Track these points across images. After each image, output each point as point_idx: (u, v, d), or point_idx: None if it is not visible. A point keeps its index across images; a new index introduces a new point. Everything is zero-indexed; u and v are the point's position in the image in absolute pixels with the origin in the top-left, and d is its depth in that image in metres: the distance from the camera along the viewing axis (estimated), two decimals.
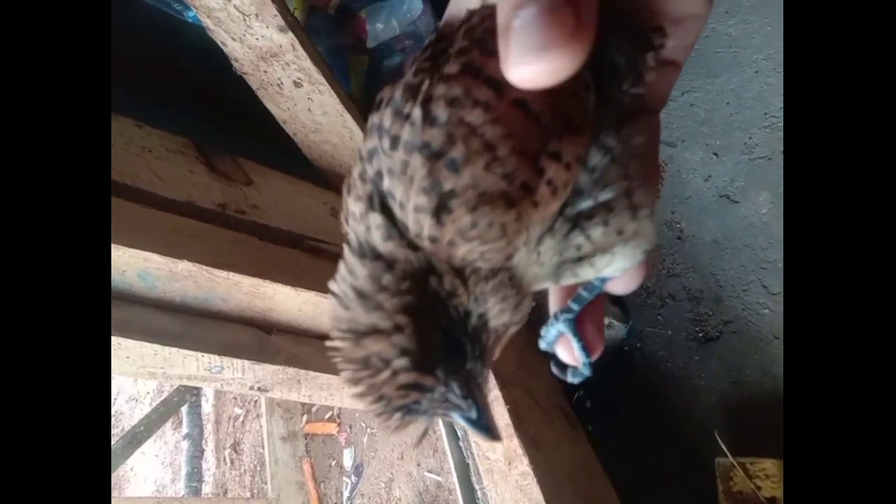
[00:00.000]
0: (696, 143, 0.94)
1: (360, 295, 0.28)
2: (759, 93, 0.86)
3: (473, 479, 0.75)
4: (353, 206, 0.28)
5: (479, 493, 0.73)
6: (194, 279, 0.60)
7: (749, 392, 0.79)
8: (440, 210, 0.26)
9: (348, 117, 0.79)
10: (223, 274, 0.61)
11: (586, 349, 0.35)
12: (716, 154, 0.91)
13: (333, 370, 0.76)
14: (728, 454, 0.71)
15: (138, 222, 0.55)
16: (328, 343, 0.30)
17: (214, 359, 0.61)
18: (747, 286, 0.84)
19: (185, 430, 2.76)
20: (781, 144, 0.81)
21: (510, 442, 0.70)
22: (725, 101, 0.89)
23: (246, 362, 0.63)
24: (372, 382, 0.28)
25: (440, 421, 0.85)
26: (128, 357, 0.57)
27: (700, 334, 0.87)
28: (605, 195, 0.29)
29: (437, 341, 0.29)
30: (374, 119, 0.28)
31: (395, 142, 0.26)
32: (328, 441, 1.80)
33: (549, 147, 0.26)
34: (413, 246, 0.27)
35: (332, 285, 0.30)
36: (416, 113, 0.25)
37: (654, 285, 0.92)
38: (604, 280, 0.34)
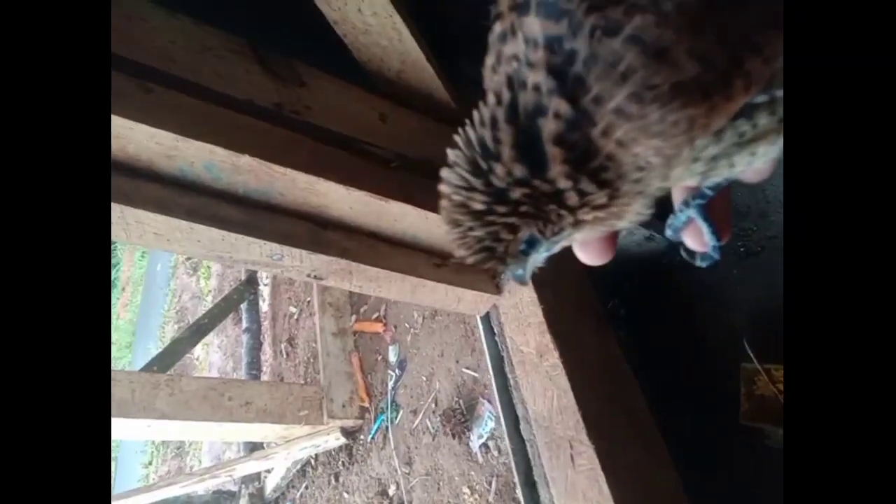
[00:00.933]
0: None
1: (485, 150, 0.28)
2: None
3: (507, 369, 0.81)
4: (533, 76, 0.26)
5: (511, 381, 0.79)
6: (255, 173, 0.64)
7: (781, 305, 0.80)
8: (640, 114, 0.25)
9: (398, 18, 0.78)
10: (281, 170, 0.65)
11: (717, 233, 0.35)
12: None
13: (381, 265, 0.81)
14: (754, 360, 0.74)
15: (203, 117, 0.59)
16: (442, 172, 0.30)
17: (275, 247, 0.67)
18: None
19: (244, 324, 3.00)
20: None
21: (542, 338, 0.74)
22: None
23: (303, 252, 0.69)
24: (469, 224, 0.30)
25: (478, 320, 0.90)
26: (199, 241, 0.63)
27: (742, 249, 0.87)
28: (778, 90, 0.27)
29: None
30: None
31: (597, 31, 0.24)
32: (374, 338, 1.93)
33: (751, 38, 0.25)
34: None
35: (466, 130, 0.29)
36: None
37: None
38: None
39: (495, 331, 0.85)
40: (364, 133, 0.79)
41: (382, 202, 0.72)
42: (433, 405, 1.54)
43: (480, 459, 1.33)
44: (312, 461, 2.07)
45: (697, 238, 0.36)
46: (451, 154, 0.29)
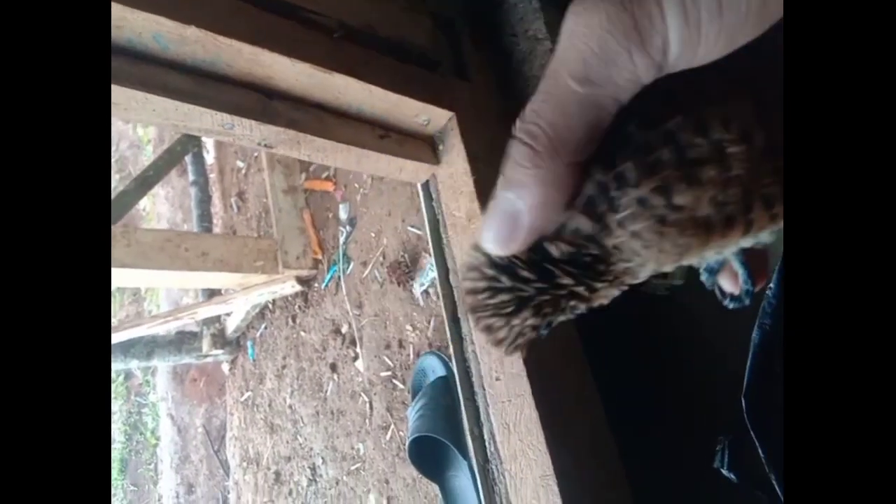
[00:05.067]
0: None
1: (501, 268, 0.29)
2: None
3: (441, 230, 0.93)
4: None
5: (444, 240, 0.92)
6: (201, 44, 0.66)
7: None
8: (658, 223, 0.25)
9: None
10: (226, 41, 0.67)
11: (752, 277, 0.35)
12: None
13: (328, 136, 0.88)
14: None
15: None
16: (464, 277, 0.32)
17: (226, 117, 0.71)
18: None
19: (191, 177, 2.97)
20: None
21: (472, 204, 0.85)
22: None
23: (253, 122, 0.73)
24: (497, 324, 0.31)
25: (419, 186, 1.00)
26: (154, 110, 0.67)
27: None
28: (765, 238, 0.29)
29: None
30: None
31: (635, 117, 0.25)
32: (325, 196, 2.01)
33: (763, 188, 0.25)
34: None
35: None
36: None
37: None
38: None
39: (433, 196, 0.95)
40: None
41: (326, 74, 0.76)
42: (381, 258, 1.69)
43: (422, 303, 1.52)
44: (270, 305, 2.25)
45: (732, 280, 0.36)
46: (472, 258, 0.31)
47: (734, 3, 0.22)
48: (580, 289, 0.29)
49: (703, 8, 0.22)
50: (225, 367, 2.59)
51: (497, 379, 0.75)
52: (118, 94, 0.61)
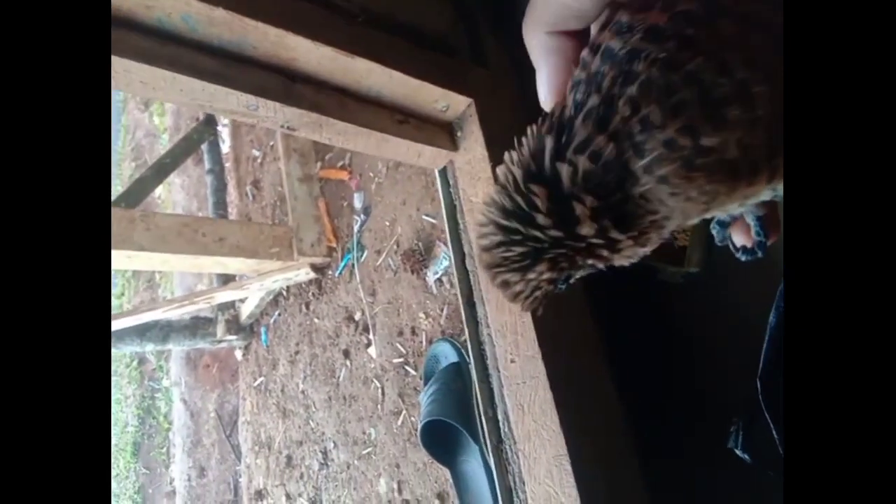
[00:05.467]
0: None
1: (519, 215, 0.29)
2: None
3: (458, 216, 0.94)
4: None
5: (461, 225, 0.93)
6: (228, 26, 0.68)
7: None
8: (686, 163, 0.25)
9: None
10: (252, 23, 0.68)
11: (764, 229, 0.35)
12: None
13: (349, 119, 0.89)
14: None
15: None
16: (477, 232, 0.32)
17: (251, 98, 0.73)
18: None
19: (207, 166, 2.99)
20: None
21: (489, 190, 0.87)
22: None
23: (276, 104, 0.75)
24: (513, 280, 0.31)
25: (436, 173, 1.01)
26: (181, 90, 0.68)
27: None
28: (780, 188, 0.28)
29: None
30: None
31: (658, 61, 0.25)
32: (340, 185, 2.03)
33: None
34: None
35: (499, 190, 0.30)
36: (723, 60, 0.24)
37: None
38: None
39: (450, 182, 0.96)
40: None
41: (349, 58, 0.77)
42: (395, 246, 1.70)
43: (435, 291, 1.54)
44: (284, 292, 2.28)
45: (744, 233, 0.36)
46: (485, 213, 0.31)
47: None
48: (599, 241, 0.29)
49: None
50: (238, 353, 2.63)
51: (512, 361, 0.77)
52: (147, 73, 0.63)
